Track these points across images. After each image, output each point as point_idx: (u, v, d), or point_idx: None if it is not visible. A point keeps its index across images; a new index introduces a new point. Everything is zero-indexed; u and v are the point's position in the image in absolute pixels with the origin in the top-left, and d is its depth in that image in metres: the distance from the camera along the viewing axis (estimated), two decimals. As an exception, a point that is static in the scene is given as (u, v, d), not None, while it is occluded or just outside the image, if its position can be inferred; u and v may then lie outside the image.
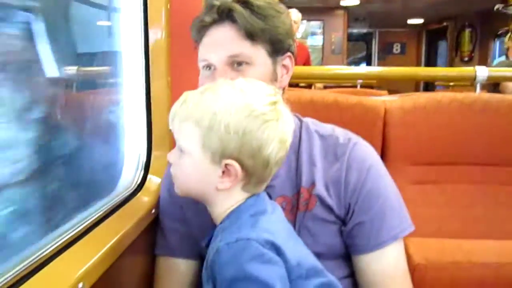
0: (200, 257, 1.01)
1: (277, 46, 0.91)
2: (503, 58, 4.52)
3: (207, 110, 0.71)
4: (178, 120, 0.75)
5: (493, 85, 2.88)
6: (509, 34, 3.72)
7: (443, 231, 1.31)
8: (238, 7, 0.87)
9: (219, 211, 0.76)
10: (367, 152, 0.97)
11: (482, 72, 1.67)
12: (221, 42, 0.88)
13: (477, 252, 1.16)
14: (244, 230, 0.70)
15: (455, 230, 1.32)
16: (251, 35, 0.87)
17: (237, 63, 0.87)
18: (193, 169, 0.74)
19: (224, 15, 0.87)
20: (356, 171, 0.92)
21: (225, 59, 0.87)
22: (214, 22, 0.89)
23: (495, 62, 6.36)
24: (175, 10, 1.16)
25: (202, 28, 0.90)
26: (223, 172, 0.73)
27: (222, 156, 0.71)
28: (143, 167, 1.13)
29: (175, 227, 1.00)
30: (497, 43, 6.85)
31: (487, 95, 1.55)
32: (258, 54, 0.89)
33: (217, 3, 0.88)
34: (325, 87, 4.44)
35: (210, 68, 0.90)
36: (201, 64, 0.92)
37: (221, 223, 0.75)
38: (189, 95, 0.75)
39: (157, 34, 1.13)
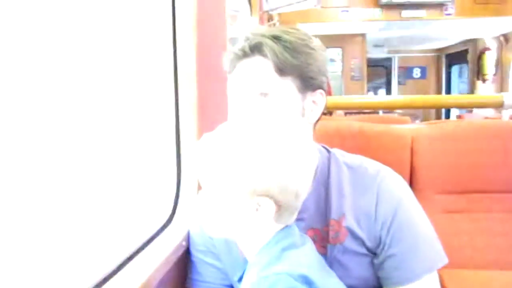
0: None
1: (307, 83, 0.91)
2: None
3: (234, 152, 0.72)
4: (204, 164, 0.74)
5: None
6: None
7: (476, 262, 1.28)
8: (269, 42, 0.88)
9: (252, 246, 0.76)
10: (397, 183, 0.96)
11: (510, 99, 1.65)
12: (250, 76, 0.89)
13: (514, 284, 1.13)
14: (277, 264, 0.69)
15: (489, 260, 1.28)
16: (280, 70, 0.88)
17: (265, 95, 0.88)
18: (225, 211, 0.74)
19: (256, 49, 0.89)
20: (387, 203, 0.91)
21: (253, 93, 0.89)
22: (245, 55, 0.90)
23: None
24: (201, 43, 1.19)
25: (233, 60, 0.92)
26: (256, 209, 0.73)
27: (253, 194, 0.72)
28: (173, 200, 1.14)
29: (207, 260, 1.00)
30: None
31: (515, 121, 1.53)
32: (287, 88, 0.89)
33: (249, 36, 0.90)
34: (346, 113, 4.44)
35: (238, 98, 0.91)
36: (230, 95, 0.94)
37: (253, 257, 0.75)
38: (214, 138, 0.74)
39: (185, 68, 1.16)
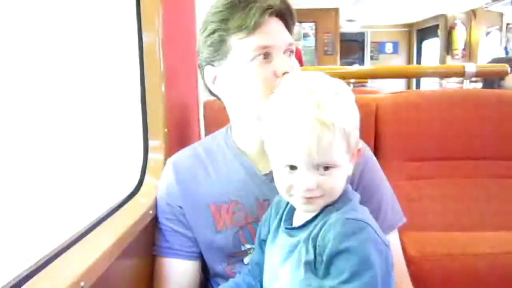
0: (200, 258, 1.04)
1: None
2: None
3: (344, 114, 0.72)
4: (326, 140, 0.69)
5: (493, 82, 2.81)
6: None
7: (437, 225, 1.33)
8: (291, 10, 0.96)
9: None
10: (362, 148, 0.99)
11: (470, 68, 1.70)
12: (280, 31, 0.95)
13: (471, 244, 1.18)
14: (361, 214, 0.72)
15: (449, 223, 1.34)
16: (290, 31, 0.97)
17: (290, 51, 0.94)
18: (343, 177, 0.74)
19: (286, 13, 0.95)
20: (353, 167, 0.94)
21: (285, 46, 0.93)
22: (278, 14, 0.94)
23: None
24: (168, 19, 1.17)
25: (261, 16, 0.91)
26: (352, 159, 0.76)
27: (355, 146, 0.75)
28: (140, 169, 1.14)
29: (176, 228, 1.02)
30: (487, 41, 6.91)
31: (476, 90, 1.58)
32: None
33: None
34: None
35: (265, 57, 0.92)
36: (256, 52, 0.92)
37: (331, 204, 0.74)
38: (322, 110, 0.70)
39: (151, 40, 1.14)
